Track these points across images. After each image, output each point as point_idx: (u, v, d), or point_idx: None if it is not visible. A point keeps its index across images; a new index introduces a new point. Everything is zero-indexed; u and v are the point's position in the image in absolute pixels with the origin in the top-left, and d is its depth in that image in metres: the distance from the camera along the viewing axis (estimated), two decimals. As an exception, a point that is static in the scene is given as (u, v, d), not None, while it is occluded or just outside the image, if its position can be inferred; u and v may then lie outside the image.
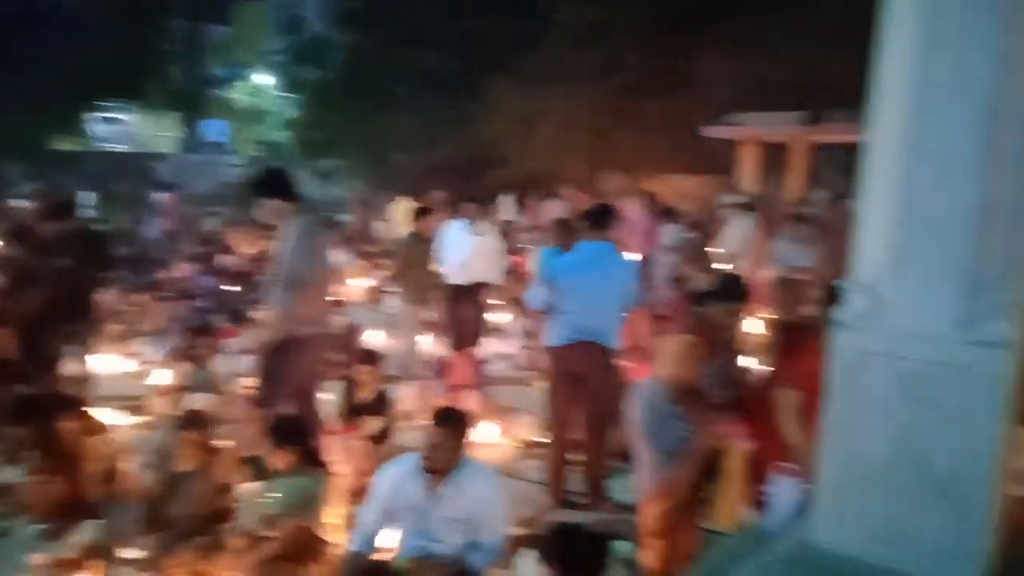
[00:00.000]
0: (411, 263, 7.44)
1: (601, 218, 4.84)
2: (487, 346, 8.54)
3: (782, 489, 3.13)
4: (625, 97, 19.45)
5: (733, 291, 3.95)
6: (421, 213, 7.87)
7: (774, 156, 16.95)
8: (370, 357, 5.61)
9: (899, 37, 2.32)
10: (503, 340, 8.84)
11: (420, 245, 7.58)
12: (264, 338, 4.80)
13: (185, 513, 4.21)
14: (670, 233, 10.21)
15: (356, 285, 12.05)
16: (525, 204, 16.40)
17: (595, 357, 4.80)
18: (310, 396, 4.91)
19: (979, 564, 2.31)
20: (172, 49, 27.38)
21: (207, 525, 4.17)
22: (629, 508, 4.47)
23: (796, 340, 3.81)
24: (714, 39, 17.80)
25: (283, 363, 4.65)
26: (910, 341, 2.35)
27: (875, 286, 2.41)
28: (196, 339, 6.20)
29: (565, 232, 5.45)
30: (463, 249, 7.77)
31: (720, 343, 3.97)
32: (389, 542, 3.91)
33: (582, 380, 4.87)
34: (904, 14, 2.30)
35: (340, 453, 5.05)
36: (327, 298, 4.85)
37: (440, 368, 6.70)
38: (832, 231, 8.95)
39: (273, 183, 4.68)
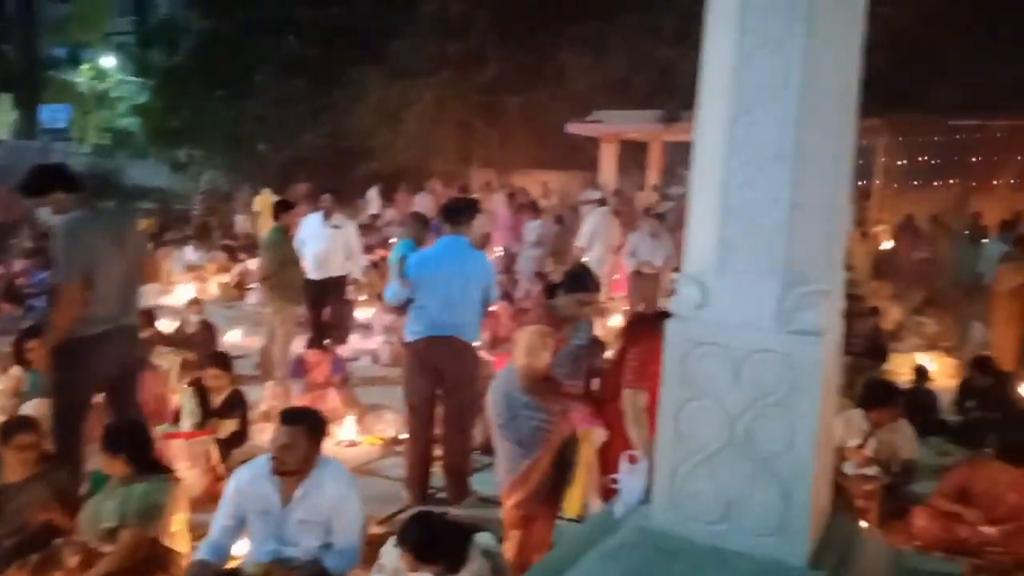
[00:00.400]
0: (279, 259, 7.19)
1: (458, 213, 4.85)
2: (350, 342, 8.41)
3: (629, 476, 3.22)
4: (490, 92, 19.61)
5: (581, 282, 4.03)
6: (283, 207, 7.64)
7: (635, 153, 17.54)
8: (220, 359, 5.40)
9: (718, 40, 2.43)
10: (367, 336, 8.73)
11: (287, 240, 7.35)
12: (48, 343, 4.39)
13: (13, 528, 3.91)
14: (534, 228, 10.37)
15: (214, 282, 11.59)
16: (393, 197, 16.25)
17: (454, 351, 4.81)
18: (123, 400, 4.58)
19: (804, 539, 2.45)
20: (3, 25, 25.33)
21: (39, 540, 3.89)
22: (493, 501, 4.51)
23: (644, 331, 3.94)
24: (575, 38, 18.22)
25: (73, 368, 4.29)
26: (736, 331, 2.47)
27: (704, 278, 2.52)
28: (29, 340, 5.77)
29: (420, 227, 5.43)
30: (320, 243, 7.61)
31: (571, 333, 4.04)
32: (242, 549, 3.78)
33: (441, 375, 4.87)
34: (722, 19, 2.42)
35: (189, 458, 4.84)
36: (114, 296, 4.36)
37: (299, 366, 6.53)
38: (684, 226, 9.32)
39: (45, 178, 4.32)
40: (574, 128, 16.29)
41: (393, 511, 4.86)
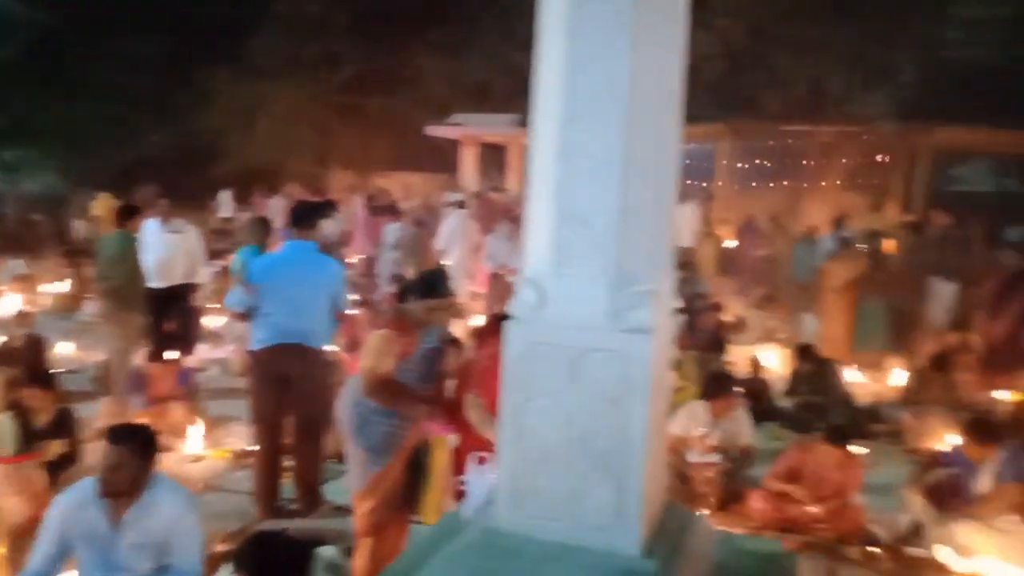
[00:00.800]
0: (122, 267, 6.71)
1: (304, 217, 4.72)
2: (198, 352, 8.04)
3: (477, 478, 3.24)
4: (348, 93, 19.32)
5: (434, 287, 4.02)
6: (128, 211, 7.16)
7: (495, 155, 17.72)
8: (39, 378, 5.02)
9: (550, 48, 2.49)
10: (216, 344, 8.37)
11: (131, 246, 6.88)
12: None
13: None
14: (393, 230, 10.27)
15: (47, 292, 10.82)
16: (248, 200, 15.69)
17: (302, 359, 4.68)
18: None
19: (638, 530, 2.54)
20: None
21: None
22: (347, 510, 4.43)
23: (495, 334, 3.98)
24: (434, 41, 18.25)
25: None
26: (572, 331, 2.54)
27: (541, 280, 2.57)
28: None
29: (263, 231, 5.25)
30: (160, 250, 7.23)
31: (422, 337, 4.02)
32: (69, 577, 3.52)
33: (289, 383, 4.73)
34: (553, 28, 2.48)
35: (13, 484, 4.47)
36: None
37: (139, 380, 6.17)
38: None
39: None
40: (434, 131, 16.30)
41: (239, 526, 4.68)
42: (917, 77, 12.55)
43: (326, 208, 9.94)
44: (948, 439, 6.16)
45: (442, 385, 4.21)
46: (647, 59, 2.41)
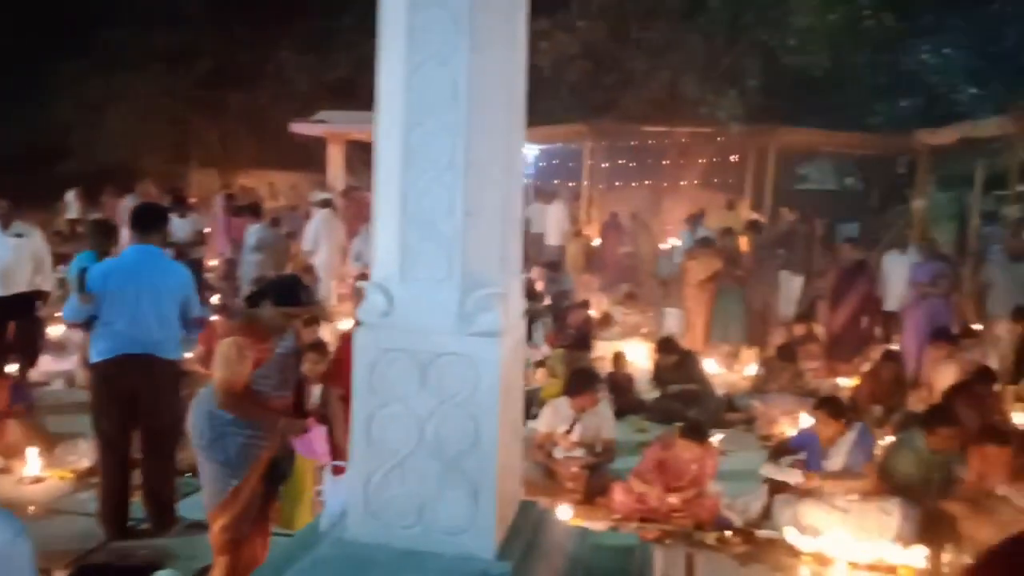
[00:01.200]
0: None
1: (146, 220, 4.47)
2: (41, 364, 7.51)
3: (333, 487, 3.17)
4: (207, 87, 18.54)
5: (290, 294, 3.89)
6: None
7: (364, 154, 17.42)
8: None
9: (390, 52, 2.46)
10: (60, 356, 7.84)
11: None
12: None
13: None
14: (254, 231, 9.92)
15: None
16: (99, 201, 14.74)
17: (149, 371, 4.43)
18: None
19: (491, 533, 2.55)
20: None
21: None
22: (203, 526, 4.23)
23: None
24: (297, 36, 17.76)
25: None
26: (421, 336, 2.52)
27: (388, 285, 2.54)
28: None
29: (103, 235, 4.93)
30: (0, 255, 6.70)
31: (276, 344, 3.90)
32: None
33: (136, 397, 4.47)
34: (392, 31, 2.45)
35: None
36: None
37: (-32, 397, 5.69)
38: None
39: None
40: (299, 128, 15.84)
41: (87, 550, 4.40)
42: (761, 82, 13.29)
43: (175, 209, 9.51)
44: (797, 424, 6.55)
45: (299, 392, 4.10)
46: (487, 61, 2.41)
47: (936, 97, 13.85)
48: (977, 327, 8.35)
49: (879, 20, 12.94)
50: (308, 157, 17.91)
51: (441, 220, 2.46)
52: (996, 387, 6.74)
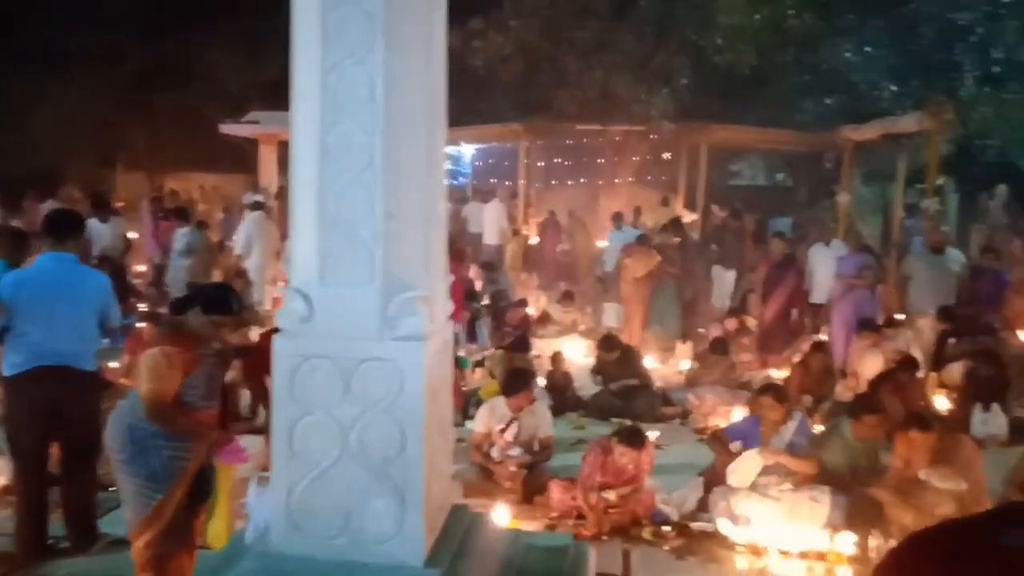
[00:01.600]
0: None
1: (60, 226, 4.28)
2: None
3: (258, 499, 3.09)
4: (134, 88, 18.00)
5: (218, 303, 3.76)
6: None
7: (297, 154, 17.11)
8: None
9: (305, 50, 2.41)
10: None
11: None
12: None
13: None
14: (182, 235, 9.66)
15: None
16: (20, 206, 14.18)
17: (67, 383, 4.26)
18: None
19: (420, 540, 2.52)
20: None
21: None
22: (124, 543, 4.08)
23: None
24: (227, 36, 17.35)
25: None
26: (343, 342, 2.47)
27: (308, 290, 2.48)
28: None
29: (15, 243, 4.72)
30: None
31: (204, 354, 3.78)
32: None
33: (53, 409, 4.29)
34: (306, 30, 2.39)
35: None
36: None
37: None
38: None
39: None
40: (229, 129, 15.49)
41: (3, 571, 4.21)
42: (692, 80, 13.51)
43: (97, 214, 9.20)
44: (730, 417, 6.65)
45: (226, 401, 3.98)
46: (405, 60, 2.38)
47: (859, 94, 14.26)
48: (901, 317, 8.61)
49: (803, 19, 13.27)
50: (240, 159, 17.54)
51: (361, 222, 2.41)
52: (919, 375, 6.96)
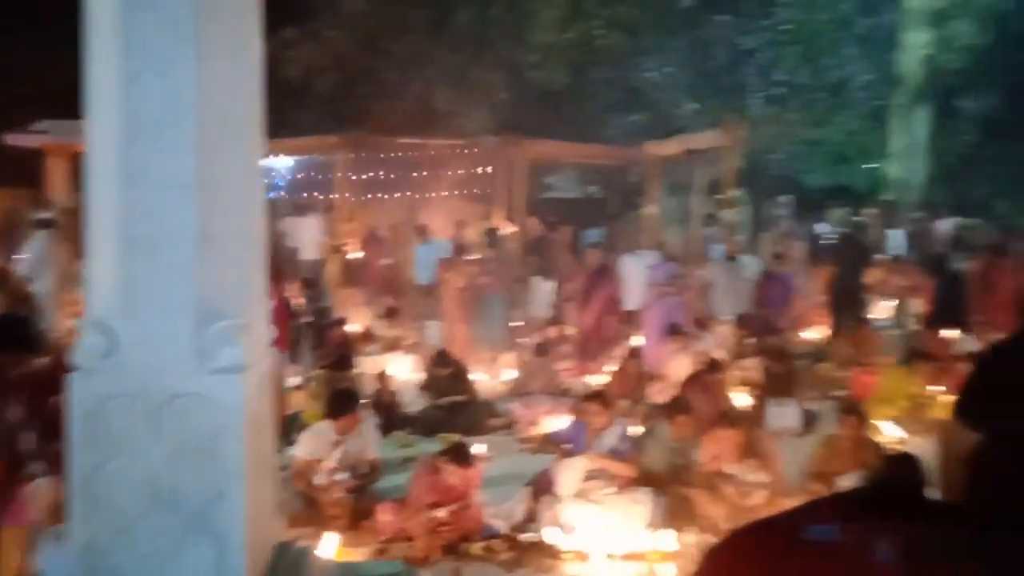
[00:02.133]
0: None
1: None
2: None
3: (54, 556, 2.78)
4: None
5: (14, 336, 3.32)
6: None
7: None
8: None
9: (102, 60, 2.20)
10: None
11: None
12: None
13: None
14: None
15: None
16: None
17: None
18: None
19: (243, 588, 2.35)
20: None
21: None
22: None
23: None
24: (12, 36, 15.73)
25: None
26: (152, 377, 2.27)
27: (110, 323, 2.26)
28: None
29: None
30: None
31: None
32: None
33: None
34: (104, 36, 2.19)
35: None
36: None
37: None
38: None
39: None
40: (15, 139, 13.99)
41: None
42: (509, 95, 13.84)
43: None
44: (555, 423, 6.80)
45: (11, 447, 3.56)
46: (218, 73, 2.23)
47: (662, 112, 15.21)
48: (706, 320, 9.22)
49: (609, 39, 13.98)
50: (25, 171, 15.91)
51: (170, 246, 2.24)
52: (722, 375, 7.46)
